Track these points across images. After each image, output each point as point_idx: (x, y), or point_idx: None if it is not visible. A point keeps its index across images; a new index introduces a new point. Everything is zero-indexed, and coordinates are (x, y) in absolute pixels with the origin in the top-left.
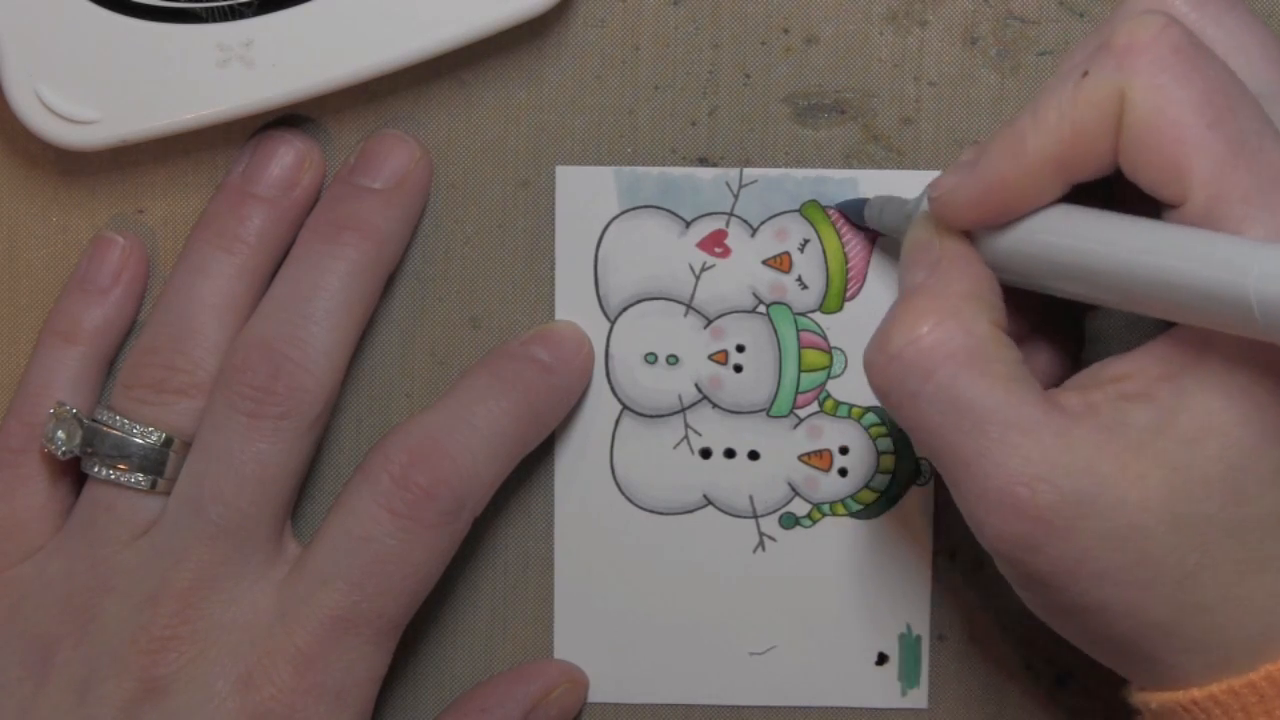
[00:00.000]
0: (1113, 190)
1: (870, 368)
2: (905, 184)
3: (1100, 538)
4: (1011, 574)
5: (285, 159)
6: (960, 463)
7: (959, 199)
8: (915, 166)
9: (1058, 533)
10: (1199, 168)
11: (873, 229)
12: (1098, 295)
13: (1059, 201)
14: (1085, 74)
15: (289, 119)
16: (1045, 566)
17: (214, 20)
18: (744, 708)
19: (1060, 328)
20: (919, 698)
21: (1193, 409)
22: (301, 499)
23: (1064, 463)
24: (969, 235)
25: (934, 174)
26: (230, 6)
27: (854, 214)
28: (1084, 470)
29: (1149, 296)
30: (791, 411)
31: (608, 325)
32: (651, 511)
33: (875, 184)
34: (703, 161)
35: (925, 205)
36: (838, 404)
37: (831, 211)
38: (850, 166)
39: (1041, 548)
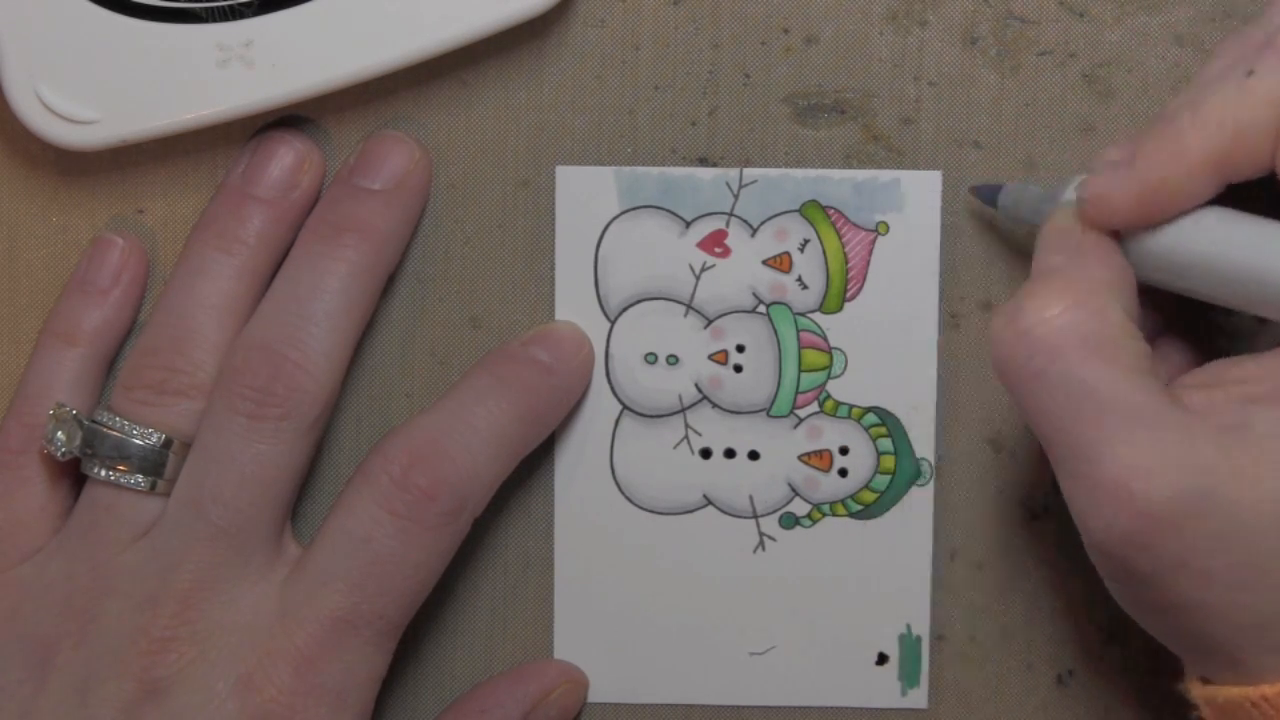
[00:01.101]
0: (1264, 193)
1: (998, 342)
2: (925, 182)
3: (1209, 537)
4: (1109, 568)
5: (285, 160)
6: (1076, 450)
7: (1115, 201)
8: (915, 166)
9: (1168, 529)
10: None
11: (1007, 216)
12: (1242, 301)
13: (1211, 203)
14: (1250, 73)
15: (289, 119)
16: (1149, 563)
17: (214, 20)
18: (744, 708)
19: (1192, 327)
20: (919, 698)
21: None
22: (301, 499)
23: (1181, 459)
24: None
25: (935, 173)
26: (230, 6)
27: (987, 199)
28: (1201, 468)
29: None
30: (791, 411)
31: (608, 325)
32: (651, 511)
33: (876, 184)
34: (703, 161)
35: (1070, 196)
36: (838, 404)
37: (832, 211)
38: (850, 166)
39: (1150, 544)
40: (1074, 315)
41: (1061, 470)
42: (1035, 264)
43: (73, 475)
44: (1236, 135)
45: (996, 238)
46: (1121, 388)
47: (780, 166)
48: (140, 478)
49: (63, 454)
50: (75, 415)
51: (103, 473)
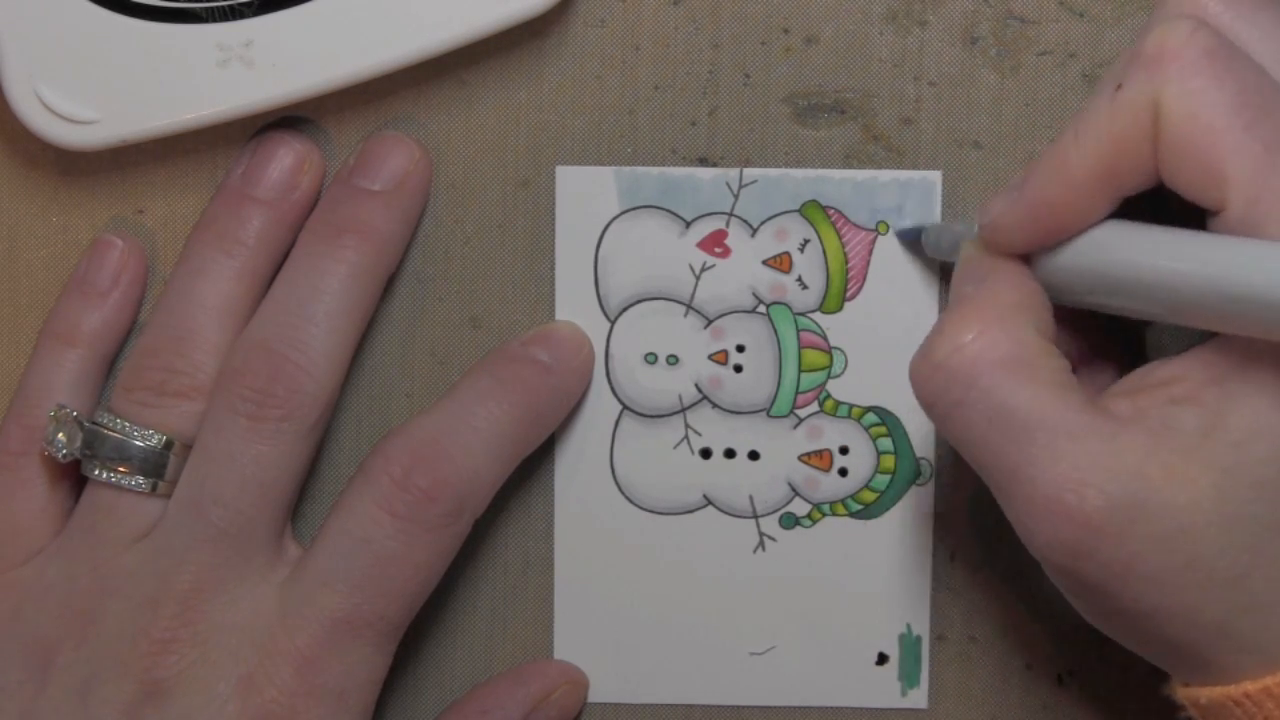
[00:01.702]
0: (1164, 202)
1: (915, 378)
2: (919, 191)
3: (1151, 541)
4: (1063, 582)
5: (285, 161)
6: (1007, 471)
7: (1008, 222)
8: (915, 166)
9: (1108, 538)
10: (1236, 171)
11: (933, 254)
12: (1149, 310)
13: (1109, 218)
14: (1119, 86)
15: (289, 119)
16: (1097, 572)
17: (214, 20)
18: (744, 708)
19: (1120, 346)
20: (919, 698)
21: (1241, 411)
22: (302, 500)
23: (1112, 467)
24: (1024, 257)
25: (935, 173)
26: (230, 6)
27: (912, 244)
28: (1132, 474)
29: (1199, 309)
30: (791, 411)
31: (608, 325)
32: (651, 511)
33: (876, 184)
34: (703, 161)
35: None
36: (838, 404)
37: (832, 211)
38: (850, 166)
39: (1092, 553)
40: (985, 340)
41: (998, 494)
42: (950, 296)
43: (73, 477)
44: (1115, 148)
45: None
46: (1043, 404)
47: (780, 166)
48: (141, 479)
49: (63, 456)
50: (75, 417)
51: (103, 474)
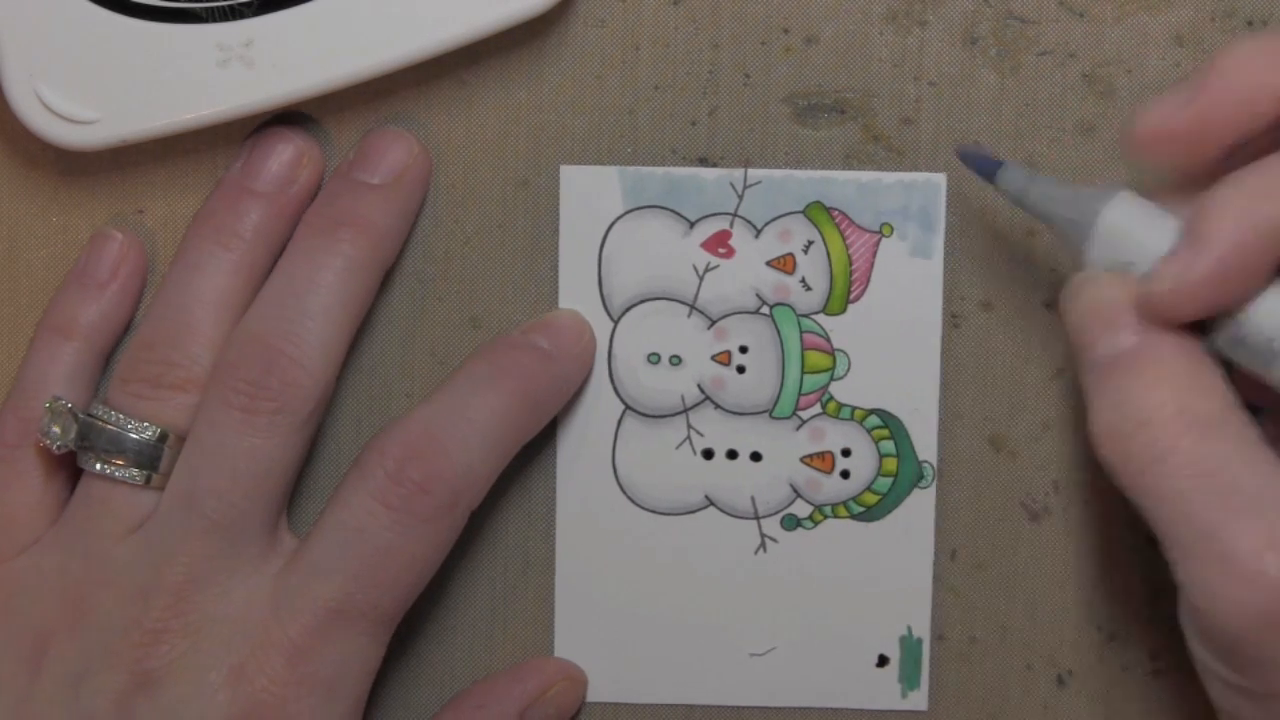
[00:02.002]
0: None
1: (1110, 437)
2: (924, 193)
3: None
4: (1235, 651)
5: (283, 155)
6: (1203, 532)
7: (1186, 288)
8: (915, 167)
9: None
10: None
11: (1007, 197)
12: None
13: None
14: None
15: (289, 118)
16: None
17: (214, 20)
18: (744, 708)
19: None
20: (919, 700)
21: None
22: (299, 496)
23: None
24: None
25: (940, 176)
26: (230, 6)
27: (981, 169)
28: None
29: None
30: (794, 413)
31: (611, 325)
32: (653, 512)
33: (880, 185)
34: (703, 161)
35: (1098, 257)
36: (840, 406)
37: (836, 212)
38: (850, 167)
39: None
40: (1183, 400)
41: (1184, 556)
42: (1085, 336)
43: (68, 468)
44: None
45: (1000, 240)
46: (1244, 465)
47: (780, 166)
48: (135, 471)
49: (58, 447)
50: (71, 409)
51: (98, 466)
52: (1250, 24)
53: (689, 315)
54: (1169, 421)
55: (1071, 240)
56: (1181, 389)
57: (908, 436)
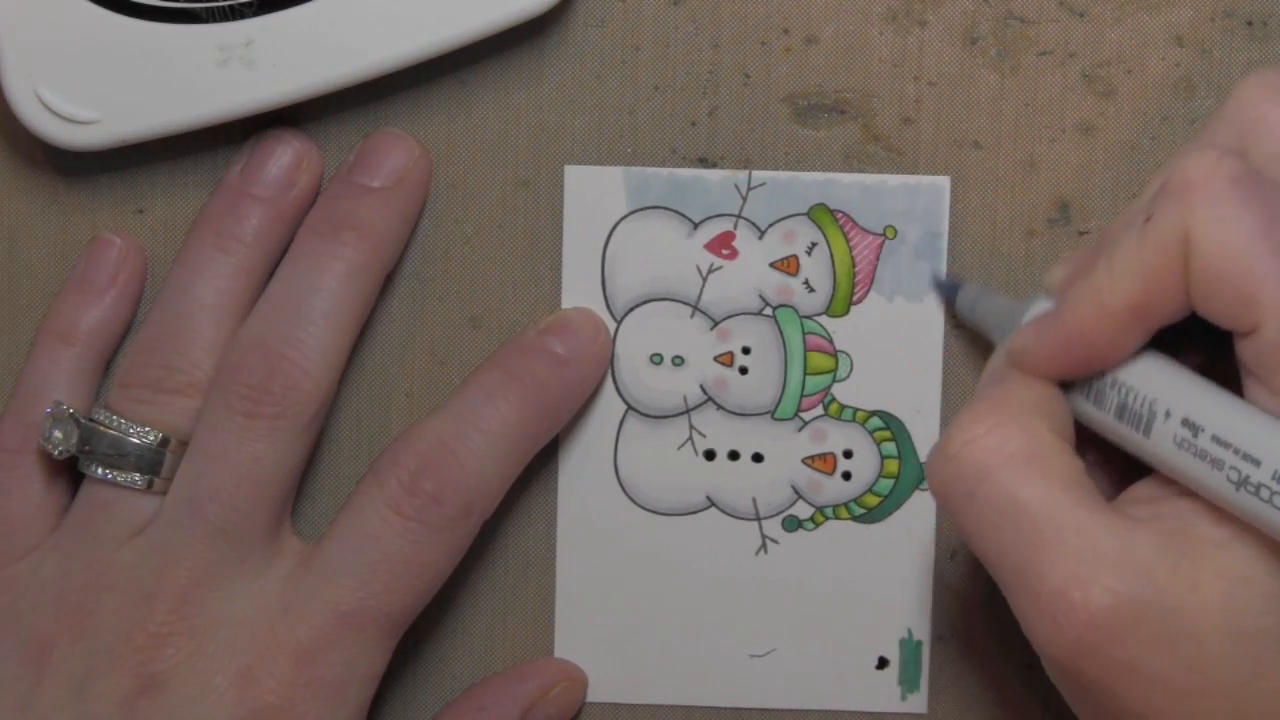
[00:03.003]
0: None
1: (929, 468)
2: (927, 195)
3: (1155, 643)
4: (1063, 680)
5: (283, 158)
6: (1015, 565)
7: (1040, 351)
8: (915, 167)
9: (1113, 636)
10: (1267, 295)
11: (965, 320)
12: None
13: (1148, 350)
14: (1148, 218)
15: (289, 119)
16: (1099, 672)
17: (214, 20)
18: (744, 710)
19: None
20: (918, 702)
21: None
22: (302, 499)
23: (1119, 565)
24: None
25: (943, 179)
26: (230, 6)
27: (946, 294)
28: (1140, 575)
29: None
30: (796, 414)
31: (614, 325)
32: (654, 512)
33: (884, 188)
34: (703, 161)
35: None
36: (842, 407)
37: (839, 214)
38: (850, 167)
39: (1096, 651)
40: (999, 434)
41: (1005, 589)
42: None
43: (70, 473)
44: (1146, 280)
45: (1001, 242)
46: (1054, 500)
47: (780, 167)
48: (137, 476)
49: (60, 452)
50: (72, 414)
51: (100, 471)
52: (1250, 24)
53: (692, 316)
54: (978, 455)
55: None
56: (1002, 425)
57: (909, 438)
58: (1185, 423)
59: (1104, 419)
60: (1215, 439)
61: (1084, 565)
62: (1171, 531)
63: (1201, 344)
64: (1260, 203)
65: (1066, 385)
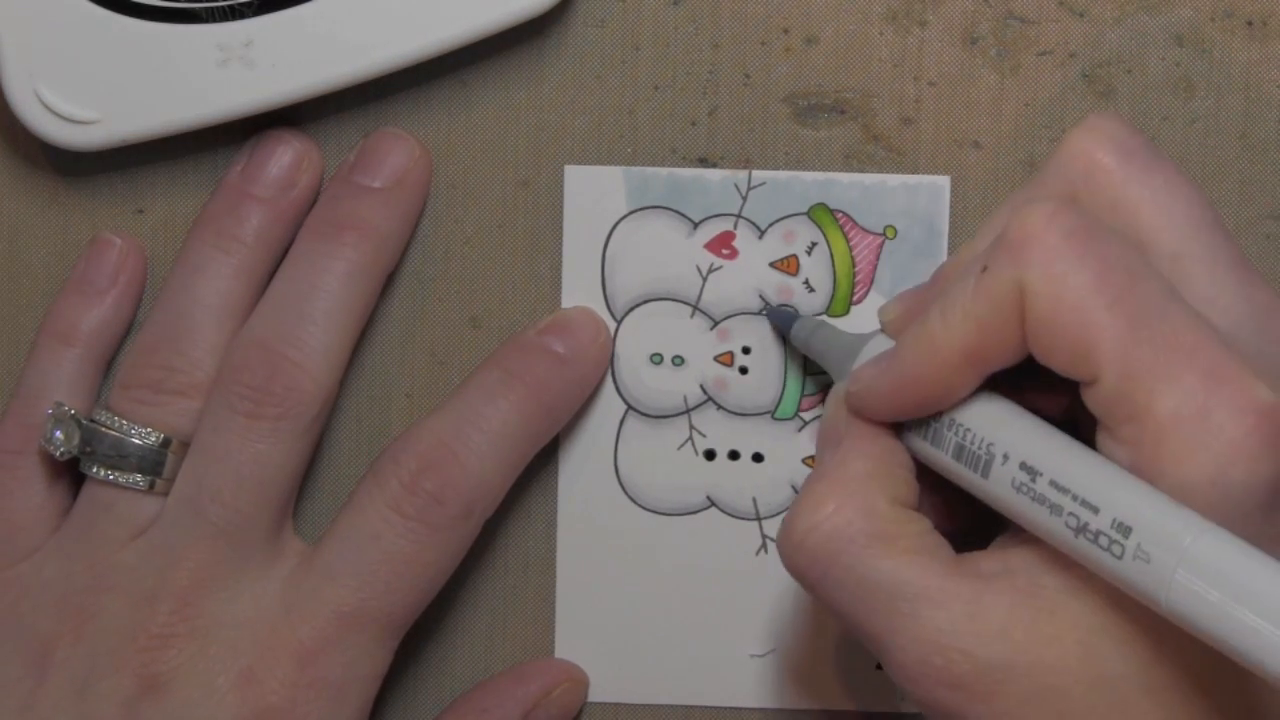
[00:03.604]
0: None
1: (780, 554)
2: (927, 195)
3: (1021, 700)
4: None
5: (284, 159)
6: (876, 637)
7: (875, 392)
8: (915, 166)
9: (979, 698)
10: (1104, 348)
11: (802, 351)
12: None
13: (983, 391)
14: (984, 269)
15: (289, 119)
16: None
17: (214, 20)
18: (744, 710)
19: None
20: None
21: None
22: (303, 499)
23: (976, 630)
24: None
25: (944, 179)
26: (230, 6)
27: (781, 324)
28: (996, 635)
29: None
30: (796, 414)
31: (614, 325)
32: (654, 512)
33: (884, 188)
34: (703, 161)
35: (858, 362)
36: None
37: (840, 214)
38: (850, 167)
39: (965, 713)
40: (840, 517)
41: (874, 653)
42: (816, 456)
43: (71, 475)
44: (980, 330)
45: None
46: (903, 573)
47: (780, 167)
48: (139, 477)
49: (61, 453)
50: (74, 415)
51: (101, 472)
52: (1250, 24)
53: (692, 316)
54: (822, 542)
55: (843, 376)
56: (841, 507)
57: None
58: (1024, 466)
59: (941, 459)
60: (1053, 484)
61: (940, 633)
62: (1022, 588)
63: (1070, 384)
64: (1094, 256)
65: (905, 425)
